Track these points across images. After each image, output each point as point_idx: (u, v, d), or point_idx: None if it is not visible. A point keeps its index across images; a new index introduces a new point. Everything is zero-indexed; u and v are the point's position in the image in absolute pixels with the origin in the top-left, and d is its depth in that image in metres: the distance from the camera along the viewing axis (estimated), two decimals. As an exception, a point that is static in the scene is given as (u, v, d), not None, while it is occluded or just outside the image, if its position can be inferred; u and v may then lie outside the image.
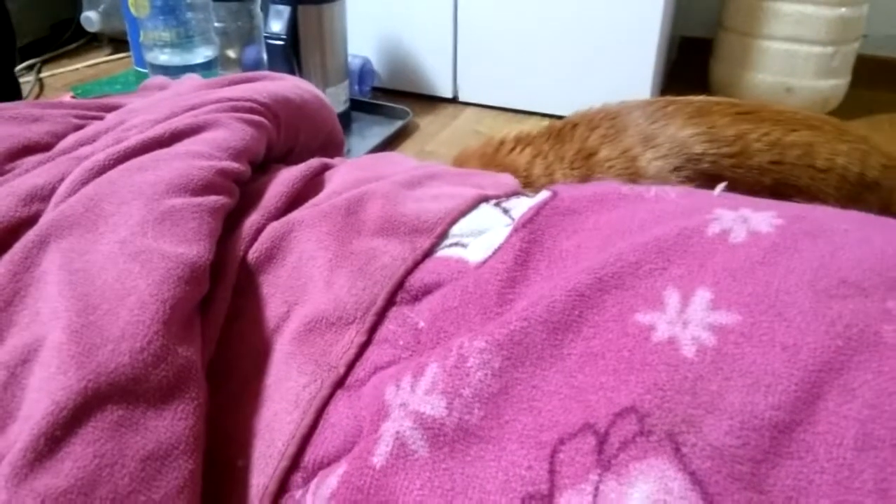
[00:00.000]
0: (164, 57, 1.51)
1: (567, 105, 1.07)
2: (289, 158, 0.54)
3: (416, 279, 0.37)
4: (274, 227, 0.42)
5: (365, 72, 1.79)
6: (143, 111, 0.48)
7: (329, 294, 0.37)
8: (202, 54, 1.54)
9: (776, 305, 0.30)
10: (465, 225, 0.41)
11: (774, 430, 0.26)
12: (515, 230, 0.38)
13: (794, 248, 0.33)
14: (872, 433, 0.26)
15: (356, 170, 0.48)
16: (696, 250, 0.34)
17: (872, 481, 0.25)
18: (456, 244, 0.39)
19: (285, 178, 0.45)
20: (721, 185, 0.75)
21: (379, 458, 0.31)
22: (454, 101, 1.87)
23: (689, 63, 2.03)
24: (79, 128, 0.49)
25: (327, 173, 0.48)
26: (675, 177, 0.77)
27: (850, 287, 0.30)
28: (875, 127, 1.79)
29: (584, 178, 0.80)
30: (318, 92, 0.60)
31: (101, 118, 0.50)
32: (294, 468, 0.33)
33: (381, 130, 1.65)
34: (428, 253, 0.39)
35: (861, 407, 0.26)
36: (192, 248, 0.37)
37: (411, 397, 0.32)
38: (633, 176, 0.78)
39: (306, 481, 0.33)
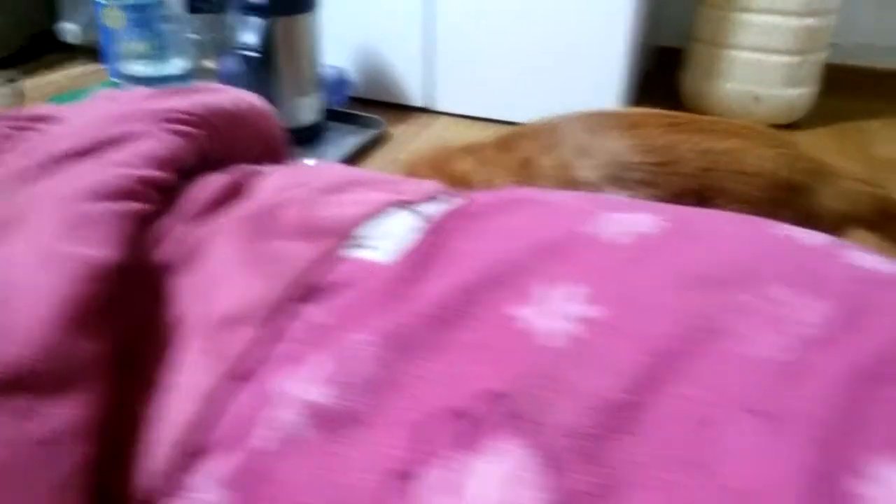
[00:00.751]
0: (139, 68, 1.54)
1: (538, 115, 1.09)
2: (226, 166, 0.57)
3: (320, 278, 0.40)
4: (191, 231, 0.44)
5: (340, 82, 1.82)
6: (73, 121, 0.51)
7: (235, 293, 0.40)
8: (177, 66, 1.57)
9: (639, 299, 0.33)
10: (376, 228, 0.43)
11: (618, 410, 0.29)
12: (422, 233, 0.41)
13: (669, 248, 0.36)
14: (705, 414, 0.28)
15: (283, 177, 0.51)
16: (577, 251, 0.37)
17: (700, 456, 0.27)
18: (364, 245, 0.42)
19: (209, 186, 0.48)
20: (622, 193, 0.78)
21: (269, 443, 0.34)
22: (429, 110, 1.90)
23: (664, 73, 2.06)
24: (10, 137, 0.51)
25: (255, 180, 0.51)
26: (610, 185, 0.80)
27: (711, 281, 0.33)
28: (841, 134, 1.83)
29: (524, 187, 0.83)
30: (260, 103, 0.62)
31: (34, 128, 0.52)
32: (187, 455, 0.36)
33: (354, 140, 1.68)
34: (335, 253, 0.42)
35: (698, 389, 0.29)
36: (101, 250, 0.40)
37: (302, 387, 0.34)
38: (570, 185, 0.80)
39: (197, 468, 0.36)
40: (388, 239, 0.41)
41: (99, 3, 1.59)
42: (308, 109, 1.61)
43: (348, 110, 1.79)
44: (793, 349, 0.30)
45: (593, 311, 0.33)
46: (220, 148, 0.54)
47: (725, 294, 0.33)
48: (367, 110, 1.80)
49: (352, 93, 1.88)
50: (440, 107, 1.89)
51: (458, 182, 0.86)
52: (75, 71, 2.04)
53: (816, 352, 0.30)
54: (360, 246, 0.41)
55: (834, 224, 0.78)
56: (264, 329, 0.37)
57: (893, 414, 0.27)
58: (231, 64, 1.66)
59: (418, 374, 0.33)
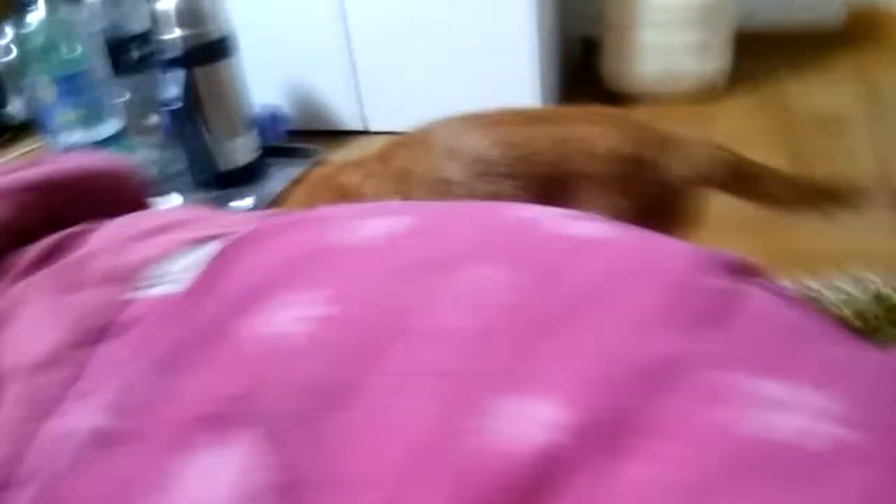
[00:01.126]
0: (75, 137, 1.60)
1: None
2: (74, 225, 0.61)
3: (115, 319, 0.45)
4: (9, 291, 0.49)
5: (274, 118, 1.89)
6: None
7: (42, 342, 0.44)
8: (111, 127, 1.64)
9: (369, 293, 0.38)
10: (175, 264, 0.47)
11: (337, 392, 0.34)
12: (207, 265, 0.45)
13: (409, 243, 0.41)
14: (400, 383, 0.33)
15: (110, 228, 0.55)
16: (327, 258, 0.41)
17: (389, 420, 0.32)
18: (161, 283, 0.45)
19: (35, 247, 0.53)
20: (489, 188, 0.84)
21: (60, 471, 0.37)
22: (366, 132, 1.97)
23: (593, 62, 2.12)
24: None
25: (85, 236, 0.55)
26: (480, 183, 0.86)
27: (432, 267, 0.39)
28: (761, 97, 1.89)
29: (405, 196, 0.89)
30: (118, 163, 0.66)
31: None
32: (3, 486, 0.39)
33: (293, 171, 1.75)
34: (129, 294, 0.45)
35: (398, 363, 0.34)
36: None
37: (89, 416, 0.38)
38: (441, 187, 0.87)
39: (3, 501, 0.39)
40: (185, 273, 0.46)
41: (33, 80, 1.66)
42: (242, 150, 1.67)
43: (286, 144, 1.86)
44: (481, 317, 0.35)
45: (330, 310, 0.38)
46: (64, 210, 0.58)
47: (440, 277, 0.38)
48: (305, 141, 1.87)
49: (289, 127, 1.95)
50: (375, 127, 1.96)
51: (350, 196, 0.92)
52: (26, 148, 2.11)
53: (499, 316, 0.35)
54: (157, 284, 0.46)
55: (686, 188, 0.85)
56: (64, 371, 0.43)
57: (533, 358, 0.33)
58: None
59: (181, 389, 0.37)
